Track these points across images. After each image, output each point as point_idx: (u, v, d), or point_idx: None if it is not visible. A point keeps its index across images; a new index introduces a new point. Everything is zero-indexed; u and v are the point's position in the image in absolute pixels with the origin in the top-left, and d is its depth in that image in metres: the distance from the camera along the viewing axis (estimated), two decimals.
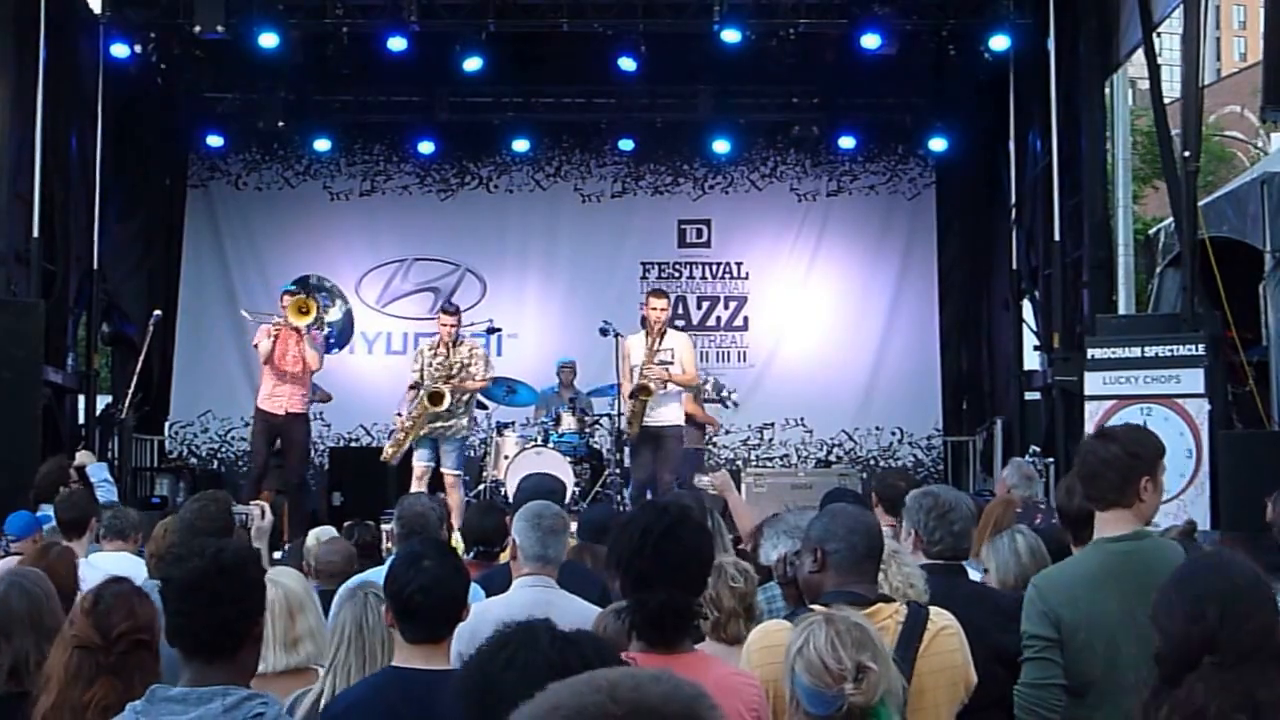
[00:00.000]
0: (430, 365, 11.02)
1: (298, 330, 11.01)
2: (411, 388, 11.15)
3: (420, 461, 11.06)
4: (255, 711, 2.82)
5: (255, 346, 11.30)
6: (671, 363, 10.78)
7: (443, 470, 11.07)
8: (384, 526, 9.58)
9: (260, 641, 3.08)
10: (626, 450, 11.53)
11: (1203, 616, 2.90)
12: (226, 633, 2.93)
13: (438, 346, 11.14)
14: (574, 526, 6.22)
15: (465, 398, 11.22)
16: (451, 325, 11.12)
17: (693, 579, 3.42)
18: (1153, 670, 3.48)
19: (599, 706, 1.38)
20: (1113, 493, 3.97)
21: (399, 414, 11.27)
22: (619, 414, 11.30)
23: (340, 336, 13.12)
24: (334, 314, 12.67)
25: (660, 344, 10.80)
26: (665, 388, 10.74)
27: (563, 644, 2.30)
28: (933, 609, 3.69)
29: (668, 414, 10.89)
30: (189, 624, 2.94)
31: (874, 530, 3.73)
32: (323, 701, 3.74)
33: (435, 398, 10.87)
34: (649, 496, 10.60)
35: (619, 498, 11.35)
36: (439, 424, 11.00)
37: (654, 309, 10.85)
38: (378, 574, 5.28)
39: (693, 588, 3.42)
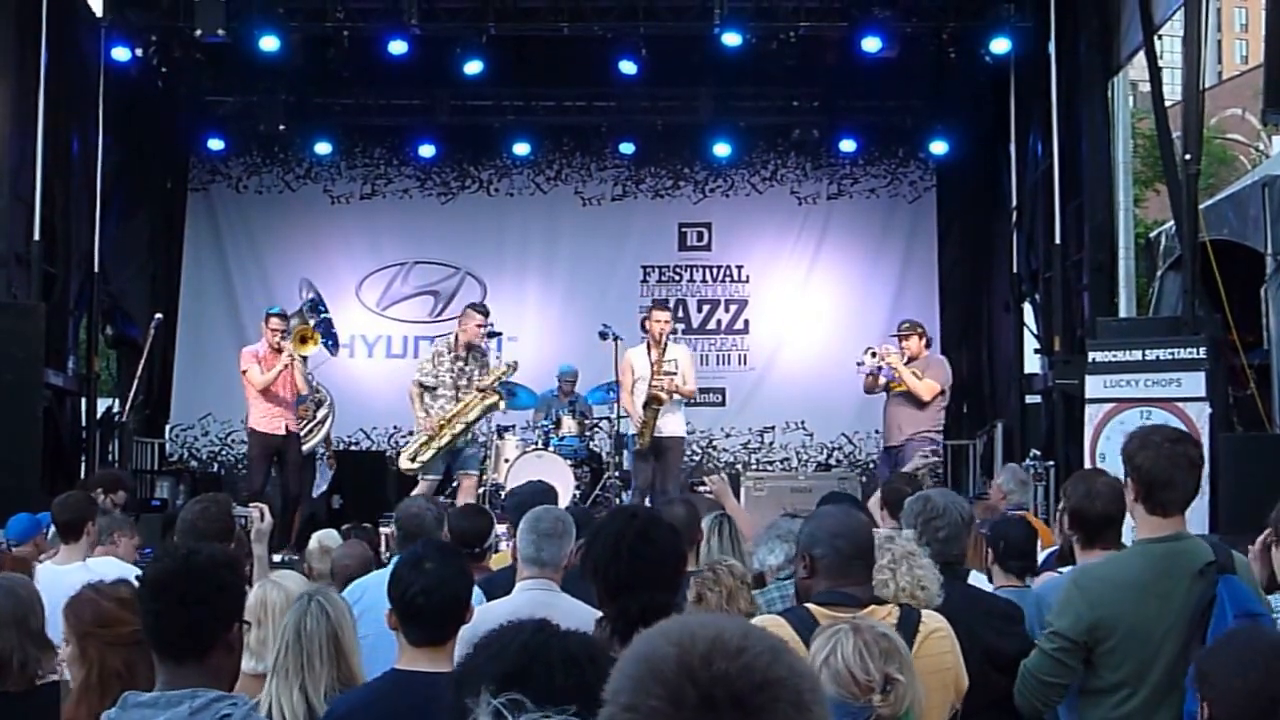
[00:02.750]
0: (453, 370, 10.78)
1: (293, 358, 11.06)
2: (422, 387, 10.81)
3: (430, 477, 10.81)
4: (223, 713, 2.80)
5: (245, 373, 11.09)
6: (675, 373, 10.88)
7: (461, 472, 10.93)
8: (383, 530, 9.62)
9: (236, 648, 3.05)
10: (625, 454, 11.57)
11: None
12: (193, 634, 2.90)
13: (456, 349, 10.87)
14: None
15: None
16: (480, 325, 10.89)
17: (669, 579, 3.45)
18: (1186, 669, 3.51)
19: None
20: (1190, 497, 3.91)
21: (423, 415, 10.81)
22: (619, 417, 11.35)
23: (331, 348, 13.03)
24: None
25: (663, 356, 10.88)
26: (672, 397, 10.82)
27: (545, 635, 2.32)
28: (925, 612, 3.69)
29: (671, 425, 11.00)
30: (157, 623, 2.93)
31: (859, 531, 3.71)
32: (274, 704, 3.75)
33: (492, 406, 10.90)
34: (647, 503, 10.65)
35: (618, 501, 11.37)
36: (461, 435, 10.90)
37: (658, 321, 10.97)
38: (379, 577, 5.32)
39: (670, 587, 3.44)
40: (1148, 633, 3.76)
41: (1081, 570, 4.14)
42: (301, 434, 11.76)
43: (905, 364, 11.06)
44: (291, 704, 3.74)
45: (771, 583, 4.90)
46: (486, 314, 11.04)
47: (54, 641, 3.99)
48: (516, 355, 14.52)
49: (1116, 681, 3.79)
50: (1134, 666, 3.77)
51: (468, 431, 10.93)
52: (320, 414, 12.18)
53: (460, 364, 10.83)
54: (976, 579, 5.18)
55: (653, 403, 10.79)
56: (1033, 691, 3.89)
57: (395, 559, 5.47)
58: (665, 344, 10.93)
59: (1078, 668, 3.86)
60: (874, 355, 11.21)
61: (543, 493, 6.13)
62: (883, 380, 11.21)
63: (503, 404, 11.02)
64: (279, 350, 11.04)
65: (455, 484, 11.05)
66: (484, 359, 11.07)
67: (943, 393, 11.04)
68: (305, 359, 11.43)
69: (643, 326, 11.50)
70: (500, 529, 7.88)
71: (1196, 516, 8.33)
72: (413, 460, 10.82)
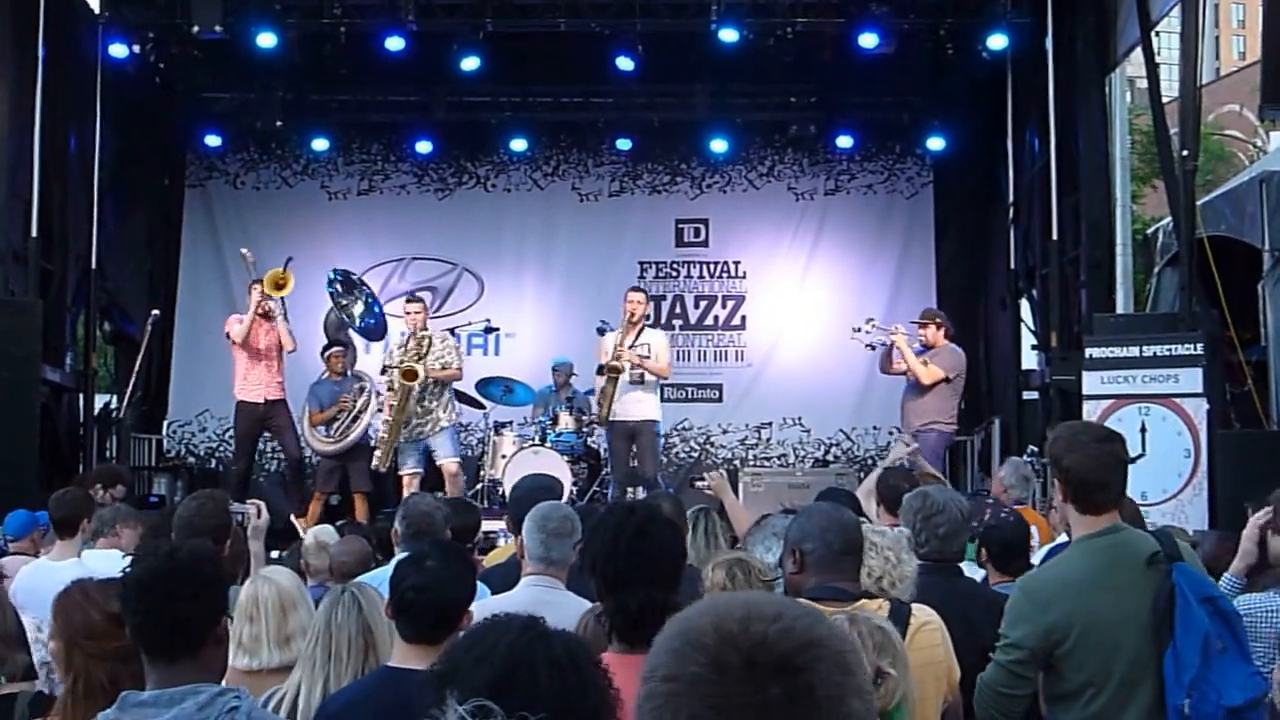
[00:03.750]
0: (390, 359, 11.22)
1: (269, 317, 11.31)
2: (382, 372, 11.32)
3: (408, 470, 11.12)
4: (229, 706, 2.81)
5: (227, 335, 11.58)
6: (647, 356, 11.00)
7: (441, 462, 11.15)
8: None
9: (224, 643, 3.06)
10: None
11: None
12: (184, 631, 2.91)
13: (407, 342, 11.24)
14: None
15: (441, 392, 11.23)
16: (415, 313, 11.24)
17: (667, 576, 3.43)
18: (1152, 662, 3.48)
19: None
20: (1122, 493, 3.92)
21: (381, 411, 11.43)
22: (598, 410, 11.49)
23: (375, 330, 13.03)
24: (358, 309, 12.59)
25: (637, 339, 10.99)
26: (638, 374, 10.91)
27: (531, 636, 2.31)
28: (914, 605, 3.69)
29: (642, 408, 11.13)
30: (145, 622, 2.92)
31: (849, 527, 3.73)
32: (295, 694, 3.77)
33: (409, 374, 10.89)
34: (641, 495, 10.70)
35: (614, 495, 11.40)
36: (417, 425, 11.08)
37: (630, 301, 11.16)
38: (384, 574, 5.31)
39: (668, 584, 3.43)
40: (1103, 628, 3.72)
41: (1026, 577, 4.13)
42: (345, 424, 11.78)
43: (920, 353, 11.06)
44: (311, 694, 3.75)
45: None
46: (416, 300, 11.54)
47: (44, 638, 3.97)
48: (514, 351, 14.70)
49: (1081, 682, 3.75)
50: (1096, 664, 3.73)
51: (405, 419, 11.05)
52: (361, 401, 12.11)
53: (403, 352, 11.11)
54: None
55: (610, 371, 10.89)
56: (990, 704, 3.82)
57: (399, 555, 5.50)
58: (642, 327, 11.09)
59: (1034, 677, 3.81)
60: (872, 323, 11.24)
61: (545, 488, 6.13)
62: (895, 359, 11.20)
63: (420, 374, 10.94)
64: (265, 314, 11.36)
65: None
66: (446, 341, 11.39)
67: (947, 380, 10.92)
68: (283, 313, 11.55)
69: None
70: (497, 525, 7.90)
71: (1195, 513, 8.38)
72: (378, 462, 11.29)
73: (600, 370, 11.04)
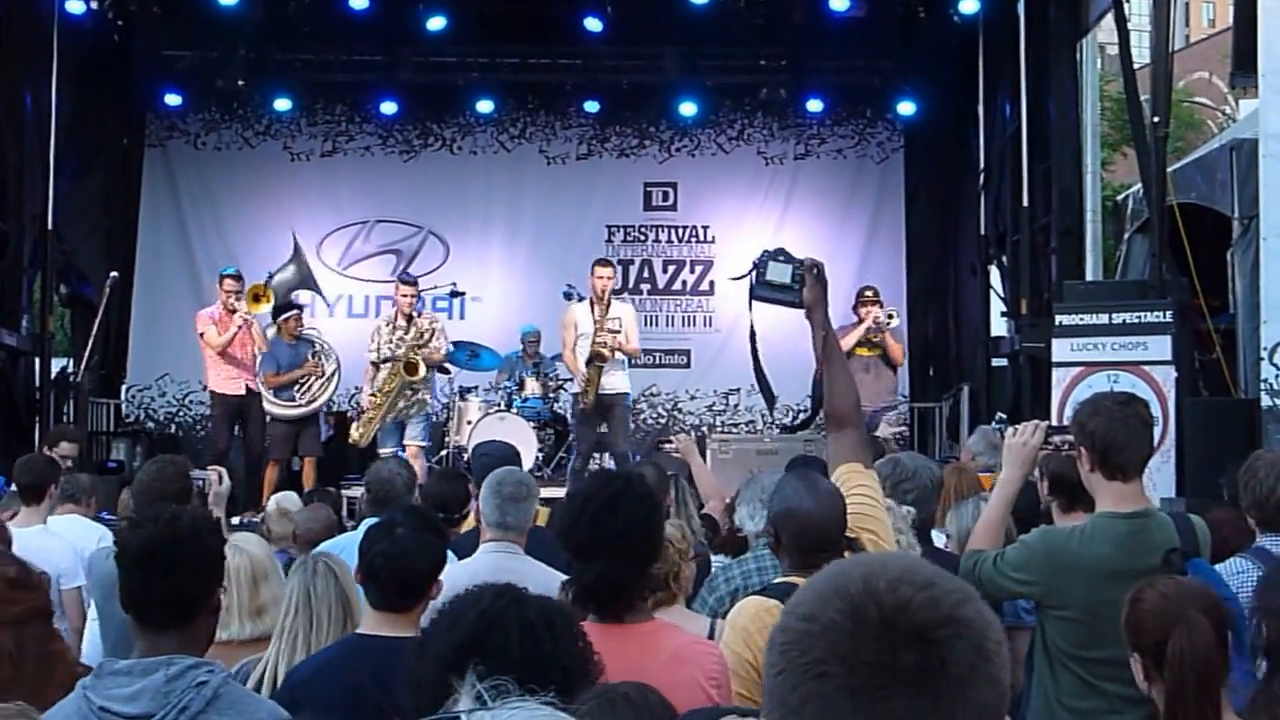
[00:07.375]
0: (391, 341, 11.06)
1: (247, 319, 11.37)
2: (374, 365, 11.26)
3: (387, 450, 11.02)
4: (198, 680, 2.75)
5: (201, 335, 11.44)
6: (619, 331, 10.96)
7: (406, 441, 11.16)
8: (344, 493, 9.63)
9: (217, 612, 3.01)
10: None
11: None
12: (180, 602, 2.86)
13: (396, 320, 11.24)
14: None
15: (429, 375, 11.40)
16: (411, 296, 11.27)
17: (633, 551, 3.27)
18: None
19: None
20: (1146, 457, 3.85)
21: (366, 391, 11.42)
22: (567, 379, 11.47)
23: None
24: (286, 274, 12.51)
25: (607, 313, 10.94)
26: (615, 355, 10.90)
27: (505, 602, 2.29)
28: None
29: (615, 380, 11.10)
30: (142, 591, 2.87)
31: (813, 519, 3.53)
32: (274, 667, 3.72)
33: (411, 368, 10.93)
34: (609, 462, 10.72)
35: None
36: (405, 405, 11.12)
37: (600, 278, 11.03)
38: (345, 541, 5.24)
39: (634, 559, 3.27)
40: (1110, 615, 3.68)
41: (1049, 532, 4.07)
42: (314, 390, 11.65)
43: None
44: (291, 666, 3.69)
45: (752, 550, 4.81)
46: (411, 283, 11.56)
47: None
48: (480, 316, 14.58)
49: (1074, 649, 3.78)
50: (1096, 639, 3.72)
51: (395, 403, 11.07)
52: (330, 367, 11.96)
53: (400, 334, 11.10)
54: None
55: (596, 359, 10.85)
56: (985, 579, 3.85)
57: (364, 522, 5.44)
58: (609, 301, 11.00)
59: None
60: (891, 317, 11.37)
61: (510, 455, 6.08)
62: (861, 336, 11.29)
63: (421, 370, 11.01)
64: (233, 311, 11.33)
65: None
66: (434, 322, 11.47)
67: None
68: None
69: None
70: None
71: (1163, 480, 8.37)
72: (359, 436, 11.29)
73: (589, 361, 10.94)
